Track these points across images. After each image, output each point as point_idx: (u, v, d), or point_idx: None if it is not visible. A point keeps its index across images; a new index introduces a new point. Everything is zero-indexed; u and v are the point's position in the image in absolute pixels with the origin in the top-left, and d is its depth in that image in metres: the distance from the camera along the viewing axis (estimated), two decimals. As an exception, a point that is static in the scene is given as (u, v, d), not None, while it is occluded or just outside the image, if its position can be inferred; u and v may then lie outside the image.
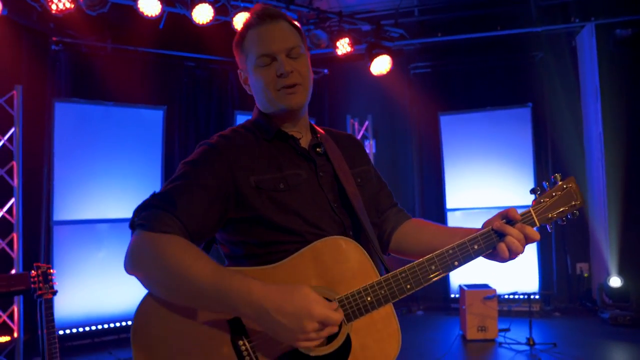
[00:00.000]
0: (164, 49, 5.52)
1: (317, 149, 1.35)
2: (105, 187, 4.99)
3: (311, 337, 1.06)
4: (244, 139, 1.30)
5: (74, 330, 4.83)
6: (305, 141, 1.35)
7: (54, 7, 4.15)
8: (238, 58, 1.37)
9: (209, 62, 5.86)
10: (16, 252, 4.46)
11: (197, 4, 4.61)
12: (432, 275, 1.23)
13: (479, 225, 1.33)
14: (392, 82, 6.33)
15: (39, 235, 4.84)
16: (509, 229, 1.24)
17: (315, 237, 1.21)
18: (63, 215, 4.87)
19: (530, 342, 4.47)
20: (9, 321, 4.37)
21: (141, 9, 4.49)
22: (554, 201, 1.32)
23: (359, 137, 6.46)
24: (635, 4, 5.36)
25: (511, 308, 5.31)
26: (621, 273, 5.37)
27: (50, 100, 4.86)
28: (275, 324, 1.05)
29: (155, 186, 5.30)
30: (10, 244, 4.49)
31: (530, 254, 5.90)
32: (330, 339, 1.16)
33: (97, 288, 4.87)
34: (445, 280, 6.08)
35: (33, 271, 2.56)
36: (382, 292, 1.18)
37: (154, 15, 4.57)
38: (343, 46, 5.44)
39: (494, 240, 1.25)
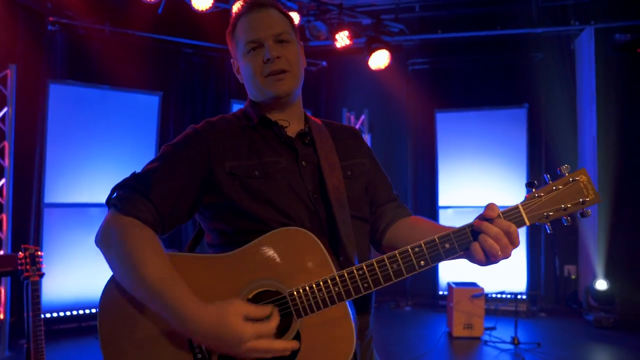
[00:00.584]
0: (162, 34, 5.48)
1: (305, 139, 1.31)
2: (98, 171, 4.96)
3: (259, 352, 1.06)
4: (228, 124, 1.30)
5: (61, 314, 4.83)
6: (293, 130, 1.32)
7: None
8: (230, 47, 1.36)
9: (206, 49, 5.82)
10: (5, 233, 4.44)
11: (196, -10, 4.58)
12: (392, 275, 1.10)
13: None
14: (390, 77, 6.32)
15: (29, 217, 4.82)
16: (486, 226, 1.07)
17: (286, 227, 1.17)
18: (54, 198, 4.85)
19: (515, 341, 4.52)
20: (-4, 302, 4.37)
21: (140, -7, 4.46)
22: (554, 196, 1.10)
23: (354, 131, 6.45)
24: (635, 9, 5.37)
25: (498, 307, 5.36)
26: (607, 276, 5.43)
27: (45, 81, 4.81)
28: (214, 347, 1.08)
29: (148, 172, 5.28)
30: (-1, 225, 4.47)
31: (519, 255, 5.95)
32: (280, 334, 1.12)
33: (86, 272, 4.86)
34: (434, 277, 6.13)
35: (20, 253, 2.55)
36: (336, 289, 1.10)
37: (153, 0, 4.53)
38: (342, 39, 5.42)
39: (468, 239, 1.09)
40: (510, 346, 4.52)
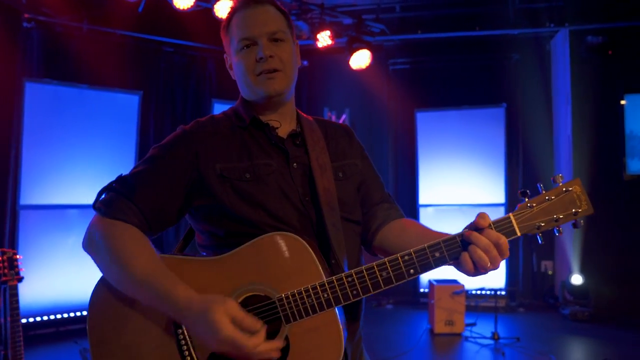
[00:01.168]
0: (142, 32, 5.40)
1: (296, 140, 1.30)
2: (77, 172, 4.87)
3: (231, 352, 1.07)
4: (218, 125, 1.28)
5: (38, 319, 4.71)
6: (284, 130, 1.30)
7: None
8: (224, 42, 1.34)
9: (187, 48, 5.77)
10: (-20, 236, 4.33)
11: (177, -12, 4.53)
12: (382, 283, 1.09)
13: (451, 222, 1.26)
14: (371, 77, 6.36)
15: (4, 219, 4.70)
16: (475, 236, 1.05)
17: (277, 230, 1.16)
18: (31, 200, 4.74)
19: (495, 336, 4.62)
20: (-29, 306, 4.25)
21: (119, -9, 4.39)
22: (546, 207, 1.09)
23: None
24: (608, 12, 5.53)
25: (478, 303, 5.46)
26: (582, 271, 5.58)
27: (21, 80, 4.70)
28: (196, 334, 1.10)
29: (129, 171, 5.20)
30: (-26, 227, 4.35)
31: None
32: (269, 338, 1.11)
33: (64, 275, 4.77)
34: (416, 275, 6.18)
35: (-1, 256, 2.49)
36: (325, 295, 1.09)
37: (132, -2, 4.47)
38: (324, 38, 5.43)
39: (458, 248, 1.08)
40: (491, 341, 4.61)
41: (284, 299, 1.11)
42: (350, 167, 1.36)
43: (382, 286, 1.10)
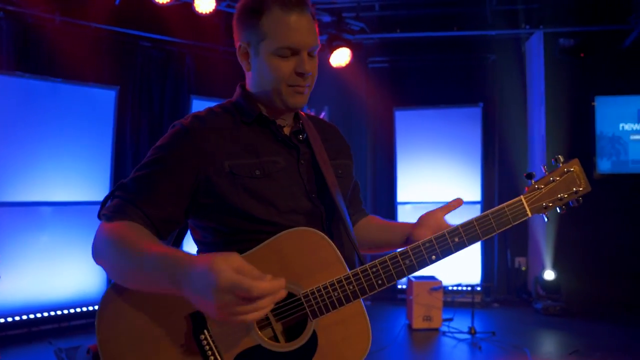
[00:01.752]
0: (118, 26, 5.26)
1: (299, 136, 1.29)
2: (50, 169, 4.73)
3: (232, 311, 0.91)
4: (220, 121, 1.23)
5: (10, 319, 4.56)
6: (287, 127, 1.30)
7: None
8: (243, 26, 1.22)
9: (165, 43, 5.65)
10: (-52, 235, 4.16)
11: (156, -18, 4.44)
12: (405, 271, 1.15)
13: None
14: (350, 75, 6.38)
15: (-26, 216, 4.53)
16: None
17: (288, 227, 1.16)
18: (1, 197, 4.57)
19: (471, 331, 4.72)
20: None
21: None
22: (552, 187, 1.18)
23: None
24: (581, 16, 5.69)
25: (455, 299, 5.56)
26: (555, 267, 5.75)
27: (-10, 73, 4.53)
28: (196, 292, 0.94)
29: (104, 169, 5.11)
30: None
31: (474, 248, 6.19)
32: (296, 335, 1.12)
33: (37, 274, 4.63)
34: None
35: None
36: (351, 287, 1.12)
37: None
38: (304, 36, 5.41)
39: (475, 232, 1.18)
40: (468, 336, 4.71)
41: (310, 294, 1.12)
42: (345, 167, 1.39)
43: (406, 273, 1.16)
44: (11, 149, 4.59)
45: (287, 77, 1.19)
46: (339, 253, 1.15)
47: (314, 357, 1.12)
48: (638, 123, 5.77)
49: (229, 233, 1.20)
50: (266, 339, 1.13)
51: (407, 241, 1.32)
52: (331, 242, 1.15)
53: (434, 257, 1.17)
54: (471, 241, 1.17)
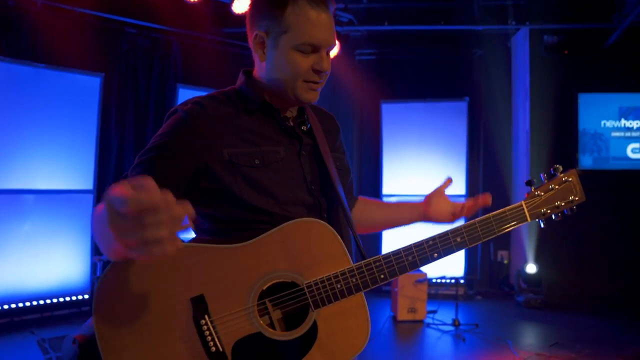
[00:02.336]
0: (103, 11, 5.15)
1: (303, 127, 1.29)
2: (33, 156, 4.62)
3: (136, 233, 0.79)
4: (221, 107, 1.22)
5: (-10, 309, 4.49)
6: (291, 118, 1.29)
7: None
8: (266, 16, 1.19)
9: (151, 30, 5.54)
10: None
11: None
12: (408, 267, 1.18)
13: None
14: (338, 67, 6.37)
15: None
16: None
17: (286, 218, 1.16)
18: (-19, 184, 4.47)
19: (455, 323, 4.78)
20: None
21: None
22: (550, 195, 1.24)
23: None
24: (565, 13, 5.77)
25: (439, 291, 5.63)
26: (536, 261, 5.86)
27: (-30, 57, 4.40)
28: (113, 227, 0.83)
29: (89, 157, 5.03)
30: None
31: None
32: (294, 324, 1.13)
33: (19, 263, 4.54)
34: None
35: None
36: (354, 280, 1.15)
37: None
38: (293, 27, 5.37)
39: (477, 233, 1.22)
40: (451, 328, 4.78)
41: (313, 284, 1.14)
42: (342, 160, 1.41)
43: (408, 269, 1.19)
44: (-9, 135, 4.48)
45: (305, 73, 1.19)
46: (345, 247, 1.17)
47: (313, 347, 1.13)
48: (619, 120, 5.89)
49: (227, 221, 1.20)
50: (267, 327, 1.13)
51: (422, 219, 1.44)
52: (337, 234, 1.16)
53: (435, 255, 1.20)
54: (472, 242, 1.22)
